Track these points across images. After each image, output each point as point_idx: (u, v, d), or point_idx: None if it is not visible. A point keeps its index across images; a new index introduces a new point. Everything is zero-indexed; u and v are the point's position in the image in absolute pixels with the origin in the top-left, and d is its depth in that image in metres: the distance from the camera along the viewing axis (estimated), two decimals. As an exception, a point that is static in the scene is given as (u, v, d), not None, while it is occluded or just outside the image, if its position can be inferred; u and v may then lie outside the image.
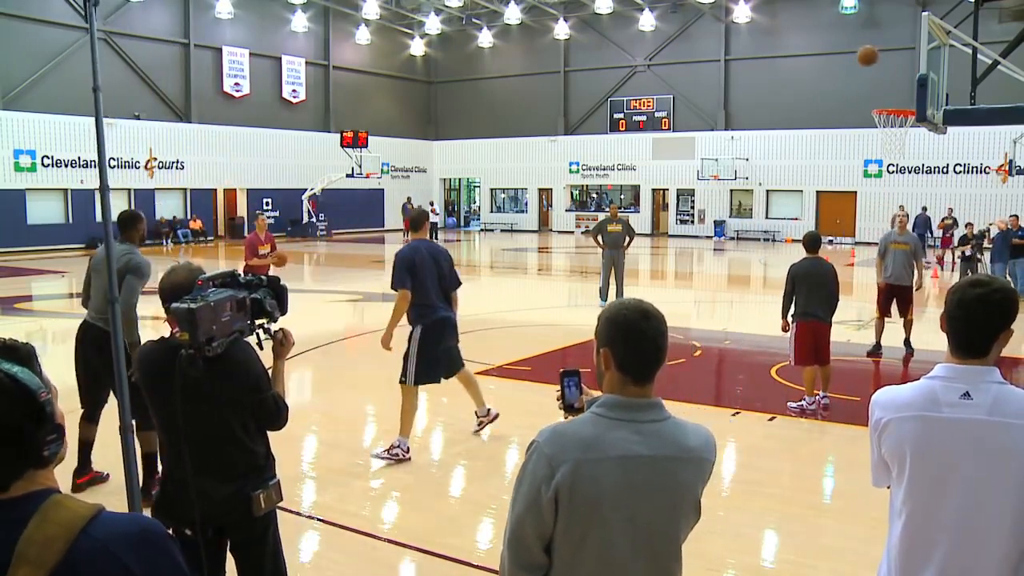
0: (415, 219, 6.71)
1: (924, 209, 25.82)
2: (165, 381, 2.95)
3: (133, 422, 3.30)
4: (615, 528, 1.99)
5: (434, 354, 6.54)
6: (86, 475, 5.77)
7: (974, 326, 2.19)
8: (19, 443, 1.36)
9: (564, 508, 1.97)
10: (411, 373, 6.46)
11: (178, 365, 2.88)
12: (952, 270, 21.86)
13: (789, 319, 8.08)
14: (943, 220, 24.00)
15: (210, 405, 3.03)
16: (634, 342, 2.04)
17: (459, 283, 6.75)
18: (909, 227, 24.61)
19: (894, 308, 10.57)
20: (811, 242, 8.09)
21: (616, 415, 2.03)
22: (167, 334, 3.02)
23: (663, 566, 2.07)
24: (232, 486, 3.08)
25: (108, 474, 5.83)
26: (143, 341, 3.21)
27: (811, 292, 7.87)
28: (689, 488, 2.06)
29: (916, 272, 10.36)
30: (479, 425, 7.13)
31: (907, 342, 10.59)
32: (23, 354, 1.43)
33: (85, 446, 5.75)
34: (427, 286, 6.43)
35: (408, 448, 6.49)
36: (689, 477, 2.06)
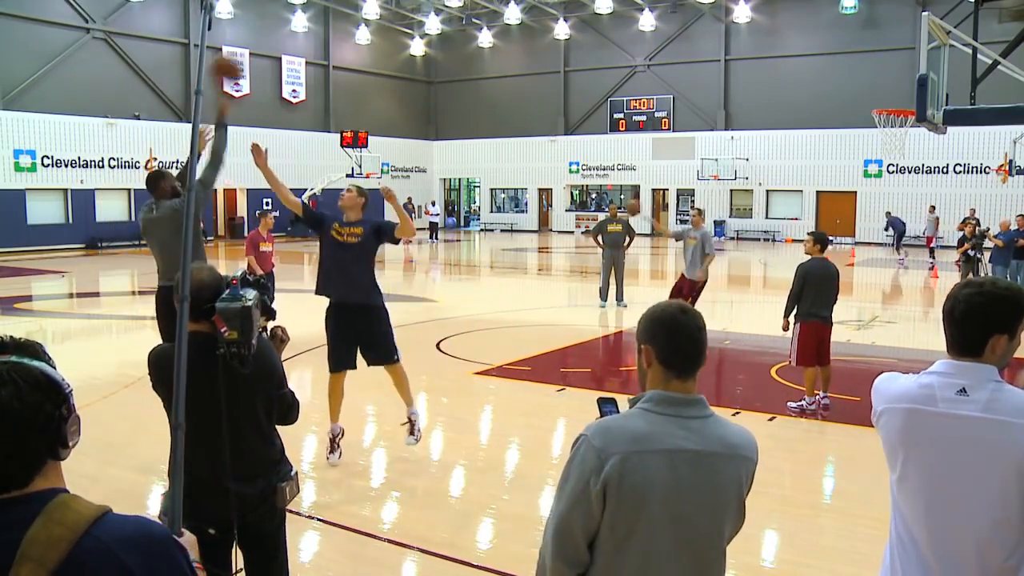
0: None
1: (932, 209, 25.73)
2: (195, 380, 2.94)
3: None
4: (660, 524, 1.99)
5: None
6: None
7: (957, 327, 2.20)
8: (50, 434, 1.39)
9: (612, 501, 1.96)
10: (397, 347, 6.30)
11: (223, 364, 2.90)
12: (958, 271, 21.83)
13: (791, 319, 8.06)
14: (965, 221, 22.96)
15: (247, 401, 3.06)
16: (673, 335, 2.07)
17: None
18: (920, 228, 24.55)
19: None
20: (822, 241, 8.07)
21: (662, 410, 2.04)
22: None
23: (704, 566, 2.06)
24: (264, 480, 3.13)
25: None
26: (162, 343, 3.21)
27: (819, 293, 7.84)
28: (732, 486, 2.06)
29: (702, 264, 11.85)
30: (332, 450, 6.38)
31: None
32: (36, 350, 1.45)
33: None
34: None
35: (416, 412, 6.49)
36: (732, 475, 2.06)
